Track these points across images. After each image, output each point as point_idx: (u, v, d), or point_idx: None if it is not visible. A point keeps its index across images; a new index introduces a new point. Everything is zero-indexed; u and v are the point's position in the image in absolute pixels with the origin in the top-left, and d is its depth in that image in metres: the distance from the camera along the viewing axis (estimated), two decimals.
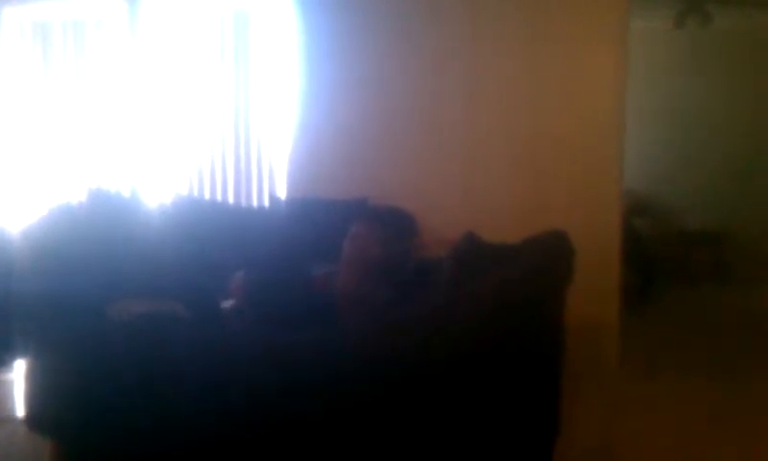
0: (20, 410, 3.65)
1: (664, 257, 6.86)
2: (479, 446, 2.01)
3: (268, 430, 1.86)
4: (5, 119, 5.72)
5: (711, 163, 7.38)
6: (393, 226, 3.90)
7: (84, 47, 5.62)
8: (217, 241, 4.24)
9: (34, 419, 2.40)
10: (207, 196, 5.36)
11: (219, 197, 5.35)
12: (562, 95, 4.25)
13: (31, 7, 5.61)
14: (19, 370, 3.87)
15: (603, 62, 4.19)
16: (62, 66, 5.66)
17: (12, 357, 3.70)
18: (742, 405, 3.80)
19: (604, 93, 4.19)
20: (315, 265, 3.66)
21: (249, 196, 5.27)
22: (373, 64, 4.59)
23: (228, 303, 3.66)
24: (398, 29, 4.53)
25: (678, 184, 7.52)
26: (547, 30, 4.26)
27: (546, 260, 2.53)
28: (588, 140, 4.22)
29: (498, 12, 4.32)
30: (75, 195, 5.22)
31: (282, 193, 4.95)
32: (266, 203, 5.17)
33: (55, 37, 5.66)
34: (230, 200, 5.32)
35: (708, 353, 4.70)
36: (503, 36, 4.33)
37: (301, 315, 3.20)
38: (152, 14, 5.37)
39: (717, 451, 3.26)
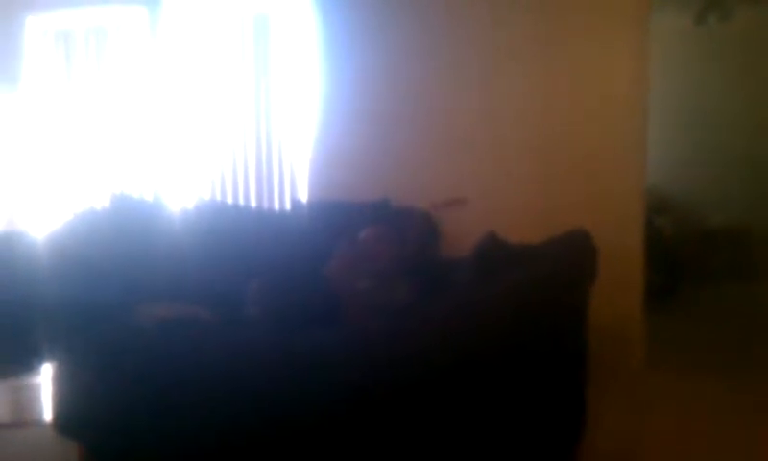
0: (48, 414, 3.69)
1: (687, 255, 6.79)
2: (502, 447, 2.01)
3: (292, 431, 1.87)
4: (29, 125, 5.79)
5: (734, 160, 7.29)
6: (412, 226, 3.90)
7: (106, 53, 5.68)
8: (239, 245, 4.26)
9: (61, 422, 2.43)
10: (230, 200, 5.39)
11: (241, 201, 5.38)
12: (582, 94, 4.23)
13: (54, 15, 5.68)
14: (46, 374, 3.92)
15: (624, 60, 4.17)
16: (86, 72, 5.73)
17: (39, 362, 3.74)
18: None
19: (625, 91, 4.16)
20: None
21: (270, 200, 5.30)
22: (393, 67, 4.60)
23: (249, 309, 3.68)
24: (418, 32, 4.54)
25: (700, 182, 7.45)
26: (567, 28, 4.24)
27: (569, 260, 2.52)
28: (609, 138, 4.19)
29: (517, 11, 4.31)
30: (99, 200, 5.26)
31: (304, 196, 4.96)
32: (288, 206, 5.19)
33: (78, 44, 5.72)
34: (252, 204, 5.34)
35: (734, 352, 4.64)
36: (522, 35, 4.32)
37: (319, 318, 3.21)
38: (172, 20, 5.42)
39: (747, 452, 3.21)
